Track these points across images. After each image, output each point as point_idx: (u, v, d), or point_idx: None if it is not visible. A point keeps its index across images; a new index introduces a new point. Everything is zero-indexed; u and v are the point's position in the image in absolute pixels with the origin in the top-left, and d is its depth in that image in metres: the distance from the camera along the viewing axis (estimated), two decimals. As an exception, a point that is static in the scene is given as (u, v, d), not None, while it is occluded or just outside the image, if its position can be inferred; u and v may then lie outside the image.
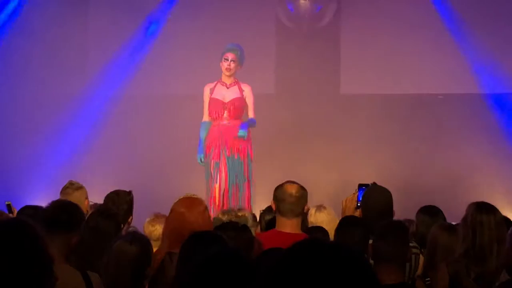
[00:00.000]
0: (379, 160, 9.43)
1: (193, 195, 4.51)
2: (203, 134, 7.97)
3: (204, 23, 9.69)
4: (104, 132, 9.56)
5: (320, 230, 4.63)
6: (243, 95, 7.95)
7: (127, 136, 9.59)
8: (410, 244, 4.03)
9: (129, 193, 5.01)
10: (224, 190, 7.75)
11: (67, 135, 9.60)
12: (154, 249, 4.36)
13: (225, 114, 7.90)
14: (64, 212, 3.49)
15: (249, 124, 7.85)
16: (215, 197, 7.75)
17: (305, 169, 8.90)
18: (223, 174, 7.77)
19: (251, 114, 7.99)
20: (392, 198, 4.63)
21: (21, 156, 9.43)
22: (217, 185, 7.76)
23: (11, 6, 9.63)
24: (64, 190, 5.36)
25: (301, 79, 9.62)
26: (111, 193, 5.02)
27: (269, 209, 4.98)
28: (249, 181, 7.88)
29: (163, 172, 9.46)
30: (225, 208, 7.41)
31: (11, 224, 2.44)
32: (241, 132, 7.73)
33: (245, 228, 3.81)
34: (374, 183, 4.74)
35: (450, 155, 9.42)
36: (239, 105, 7.91)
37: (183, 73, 9.62)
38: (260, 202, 7.49)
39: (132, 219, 4.93)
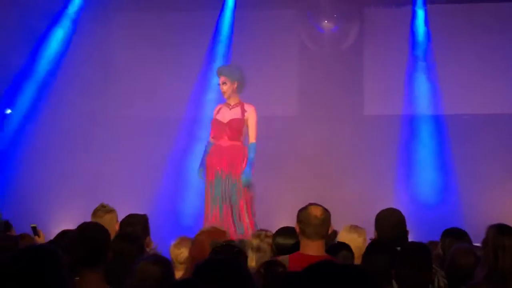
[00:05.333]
0: (404, 182, 9.40)
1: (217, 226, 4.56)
2: (205, 152, 8.01)
3: (227, 46, 9.79)
4: (135, 153, 9.67)
5: (345, 247, 4.62)
6: (243, 116, 7.89)
7: (153, 157, 9.67)
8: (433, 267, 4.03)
9: (143, 215, 5.08)
10: (219, 209, 7.74)
11: (97, 156, 9.70)
12: (180, 272, 4.40)
13: (224, 135, 7.90)
14: (92, 249, 3.50)
15: (251, 167, 7.75)
16: (208, 216, 7.78)
17: (328, 191, 8.88)
18: (218, 194, 7.76)
19: (252, 137, 7.86)
20: (403, 216, 4.72)
21: (49, 178, 9.57)
22: (210, 205, 7.79)
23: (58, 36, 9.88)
24: (95, 212, 5.38)
25: (325, 101, 9.63)
26: (126, 216, 5.13)
27: (282, 231, 4.92)
28: (244, 202, 7.79)
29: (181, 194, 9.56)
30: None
31: (41, 252, 2.59)
32: (244, 179, 7.71)
33: (238, 253, 3.78)
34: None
35: (477, 178, 9.37)
36: (236, 127, 7.85)
37: (201, 97, 9.70)
38: (282, 223, 7.47)
39: (150, 239, 4.98)
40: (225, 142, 7.86)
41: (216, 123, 7.95)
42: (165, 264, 3.42)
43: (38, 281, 2.52)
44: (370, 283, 1.66)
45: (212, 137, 7.98)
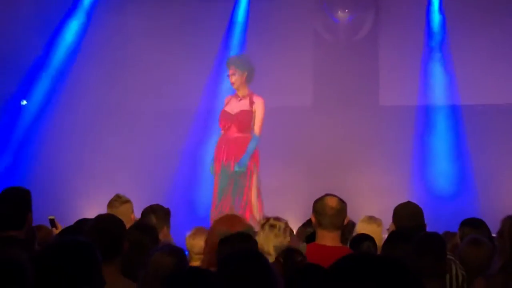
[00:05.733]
0: (420, 173, 9.36)
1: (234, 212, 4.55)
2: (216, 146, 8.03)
3: (242, 36, 9.77)
4: (153, 146, 9.70)
5: (368, 238, 4.61)
6: (251, 108, 7.84)
7: (168, 148, 9.69)
8: (449, 257, 4.01)
9: (166, 208, 5.10)
10: (221, 201, 7.77)
11: (112, 147, 9.73)
12: (196, 263, 4.40)
13: (233, 127, 7.88)
14: (107, 243, 3.50)
15: (248, 157, 7.74)
16: (214, 205, 7.82)
17: (343, 182, 8.86)
18: (223, 186, 7.78)
19: (256, 129, 7.83)
20: (421, 209, 4.72)
21: (67, 170, 9.62)
22: (217, 196, 7.83)
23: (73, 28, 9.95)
24: (111, 203, 5.41)
25: (339, 91, 9.59)
26: (148, 206, 5.15)
27: (309, 222, 4.94)
28: (247, 193, 7.78)
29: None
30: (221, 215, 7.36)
31: (80, 244, 2.72)
32: (237, 167, 7.71)
33: (247, 238, 3.78)
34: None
35: (494, 169, 9.31)
36: (244, 118, 7.82)
37: (216, 87, 9.70)
38: (301, 214, 7.47)
39: (167, 230, 4.99)
40: (233, 133, 7.85)
41: (224, 114, 7.94)
42: (180, 255, 3.42)
43: (77, 274, 2.61)
44: (409, 273, 1.63)
45: (222, 129, 7.98)
